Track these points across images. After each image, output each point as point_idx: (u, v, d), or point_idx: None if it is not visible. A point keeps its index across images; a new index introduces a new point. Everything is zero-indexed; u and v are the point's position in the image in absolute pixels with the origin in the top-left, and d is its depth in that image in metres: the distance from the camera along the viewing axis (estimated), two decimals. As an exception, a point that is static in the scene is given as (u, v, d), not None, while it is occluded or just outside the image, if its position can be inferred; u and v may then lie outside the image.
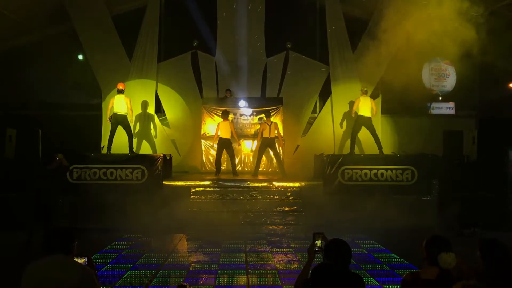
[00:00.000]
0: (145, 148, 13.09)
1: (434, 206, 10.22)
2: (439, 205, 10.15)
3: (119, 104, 11.56)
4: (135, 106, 12.94)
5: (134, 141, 12.30)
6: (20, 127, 11.52)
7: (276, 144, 12.16)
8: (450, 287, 2.84)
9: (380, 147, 11.81)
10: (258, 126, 12.81)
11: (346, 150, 12.70)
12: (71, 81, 13.82)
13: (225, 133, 11.79)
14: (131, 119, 11.85)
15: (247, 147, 13.19)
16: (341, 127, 13.34)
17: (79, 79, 13.65)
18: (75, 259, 3.35)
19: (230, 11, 13.93)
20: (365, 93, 12.09)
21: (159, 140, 13.44)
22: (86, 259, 3.40)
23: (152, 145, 13.25)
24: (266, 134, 11.89)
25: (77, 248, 3.37)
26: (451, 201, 9.92)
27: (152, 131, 13.37)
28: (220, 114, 12.44)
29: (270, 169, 12.97)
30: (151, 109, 13.41)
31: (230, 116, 12.35)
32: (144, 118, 13.27)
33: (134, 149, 11.92)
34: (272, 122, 12.05)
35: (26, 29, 13.51)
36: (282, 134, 12.88)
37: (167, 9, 14.49)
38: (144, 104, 13.25)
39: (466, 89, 14.38)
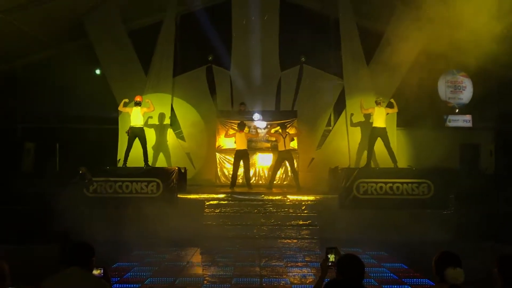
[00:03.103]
0: (160, 161, 13.17)
1: (451, 220, 10.06)
2: (457, 219, 9.99)
3: (136, 116, 11.67)
4: (151, 120, 13.09)
5: (150, 154, 12.38)
6: (38, 141, 11.73)
7: (294, 159, 12.11)
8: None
9: (394, 160, 11.69)
10: (273, 138, 12.79)
11: (362, 163, 12.63)
12: (88, 95, 14.02)
13: (241, 145, 11.80)
14: (152, 109, 11.96)
15: (262, 160, 13.16)
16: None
17: (96, 93, 13.83)
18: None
19: (244, 25, 14.05)
20: (379, 104, 12.00)
21: (174, 153, 13.51)
22: (102, 270, 3.45)
23: (167, 158, 13.33)
24: (281, 148, 11.85)
25: (94, 263, 3.41)
26: (468, 215, 9.77)
27: (167, 144, 13.46)
28: (235, 127, 12.47)
29: (285, 182, 12.92)
30: (166, 123, 13.52)
31: (246, 129, 12.34)
32: (160, 131, 13.39)
33: (150, 162, 11.98)
34: (287, 134, 11.99)
35: (45, 44, 13.83)
36: (296, 147, 12.91)
37: (183, 24, 14.70)
38: (160, 118, 13.37)
39: (483, 102, 14.21)
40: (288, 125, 12.77)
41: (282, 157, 11.91)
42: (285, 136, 11.85)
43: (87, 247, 3.42)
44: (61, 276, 3.23)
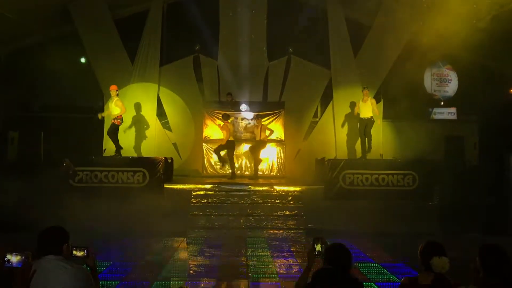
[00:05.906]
0: (146, 151, 13.09)
1: (435, 211, 10.20)
2: (440, 210, 10.13)
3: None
4: (137, 110, 12.99)
5: (137, 144, 12.27)
6: (22, 130, 11.55)
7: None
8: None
9: (364, 151, 11.69)
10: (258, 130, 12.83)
11: (348, 154, 12.72)
12: (73, 84, 13.83)
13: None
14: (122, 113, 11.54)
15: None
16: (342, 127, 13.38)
17: (82, 81, 13.66)
18: (74, 252, 3.25)
19: (232, 15, 13.98)
20: (365, 88, 11.72)
21: (160, 143, 13.46)
22: (85, 251, 3.30)
23: (154, 148, 13.25)
24: (258, 137, 12.05)
25: (69, 249, 3.22)
26: (452, 206, 9.90)
27: (154, 134, 13.37)
28: (221, 119, 12.43)
29: (271, 173, 12.96)
30: (152, 112, 13.43)
31: (230, 119, 12.31)
32: (146, 121, 13.29)
33: (135, 153, 11.85)
34: (261, 125, 12.17)
35: (30, 31, 13.58)
36: (283, 138, 12.99)
37: (170, 13, 14.54)
38: (146, 107, 13.26)
39: (468, 94, 14.39)
40: (270, 118, 12.98)
41: (257, 145, 12.08)
42: (260, 126, 12.10)
43: (59, 232, 3.21)
44: (36, 267, 3.06)
